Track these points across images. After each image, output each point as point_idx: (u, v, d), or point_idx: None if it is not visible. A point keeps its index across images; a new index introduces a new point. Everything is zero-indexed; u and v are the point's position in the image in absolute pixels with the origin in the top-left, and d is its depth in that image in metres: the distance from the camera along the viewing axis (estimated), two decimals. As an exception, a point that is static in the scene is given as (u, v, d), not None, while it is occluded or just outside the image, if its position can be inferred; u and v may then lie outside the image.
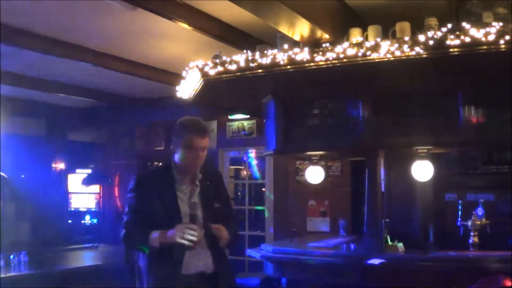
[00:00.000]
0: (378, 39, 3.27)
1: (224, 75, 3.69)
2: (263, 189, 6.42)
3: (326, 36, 3.47)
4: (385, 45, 3.19)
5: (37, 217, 6.64)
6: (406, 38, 3.18)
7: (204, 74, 3.76)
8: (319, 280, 3.71)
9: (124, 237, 2.62)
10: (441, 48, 3.05)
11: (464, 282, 3.06)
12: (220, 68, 3.69)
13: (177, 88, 4.31)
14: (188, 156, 2.58)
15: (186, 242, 2.37)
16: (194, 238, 2.38)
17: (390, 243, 3.63)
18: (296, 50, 3.47)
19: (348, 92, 3.76)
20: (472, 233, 3.72)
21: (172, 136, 2.67)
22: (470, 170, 4.21)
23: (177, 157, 2.63)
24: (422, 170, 3.62)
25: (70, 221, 7.67)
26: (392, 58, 3.18)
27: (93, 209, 7.79)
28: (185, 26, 3.85)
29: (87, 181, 7.26)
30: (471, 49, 2.99)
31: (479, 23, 3.09)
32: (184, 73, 4.06)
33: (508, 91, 3.26)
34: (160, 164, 2.83)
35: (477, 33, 2.96)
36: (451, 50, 3.03)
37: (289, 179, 5.90)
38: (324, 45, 3.44)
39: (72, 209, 7.83)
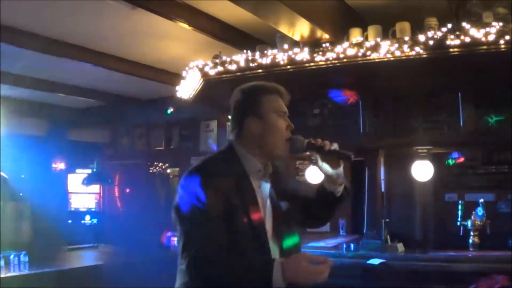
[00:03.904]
0: (378, 39, 3.28)
1: (224, 75, 3.69)
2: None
3: (326, 36, 3.47)
4: (385, 45, 3.19)
5: (37, 217, 6.63)
6: (406, 38, 3.18)
7: (204, 74, 3.76)
8: (319, 280, 3.70)
9: (202, 276, 1.56)
10: (441, 48, 3.05)
11: (464, 282, 3.05)
12: (220, 68, 3.69)
13: (177, 88, 4.31)
14: (276, 129, 1.75)
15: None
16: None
17: (390, 243, 3.63)
18: (296, 50, 3.47)
19: (348, 92, 3.76)
20: (472, 233, 3.72)
21: (239, 107, 1.78)
22: (470, 170, 4.20)
23: (250, 136, 1.74)
24: (422, 170, 3.61)
25: (70, 221, 7.66)
26: (392, 58, 3.18)
27: (93, 209, 7.79)
28: (185, 26, 3.84)
29: (87, 181, 7.26)
30: (471, 49, 2.99)
31: (479, 23, 3.09)
32: (184, 73, 4.06)
33: (508, 91, 3.26)
34: (217, 152, 1.85)
35: (477, 33, 2.96)
36: (451, 50, 3.03)
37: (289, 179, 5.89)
38: (324, 45, 3.44)
39: (72, 209, 7.83)
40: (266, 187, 1.77)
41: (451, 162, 4.16)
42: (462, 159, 4.18)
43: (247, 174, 1.72)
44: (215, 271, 1.55)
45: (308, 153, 1.82)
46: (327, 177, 1.84)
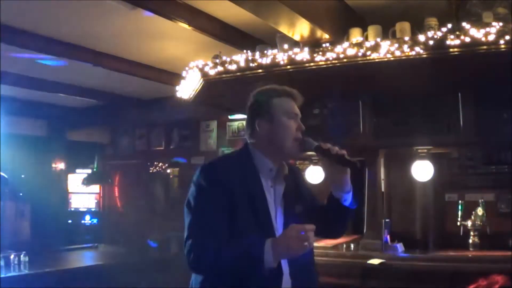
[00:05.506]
0: (378, 39, 3.27)
1: (224, 75, 3.68)
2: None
3: (326, 36, 3.47)
4: (385, 45, 3.19)
5: (37, 217, 6.64)
6: (406, 38, 3.17)
7: (204, 74, 3.76)
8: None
9: (199, 263, 1.68)
10: (441, 48, 3.04)
11: (464, 282, 3.05)
12: (220, 68, 3.69)
13: (177, 88, 4.31)
14: (284, 129, 1.83)
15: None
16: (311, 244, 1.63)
17: (390, 243, 3.63)
18: (296, 50, 3.47)
19: (348, 92, 3.76)
20: (472, 233, 3.72)
21: (250, 110, 1.94)
22: (470, 170, 4.20)
23: (260, 137, 1.87)
24: (422, 170, 3.61)
25: (70, 221, 7.67)
26: (392, 58, 3.18)
27: (93, 209, 7.79)
28: (185, 26, 3.85)
29: (87, 181, 7.26)
30: (471, 49, 2.98)
31: (479, 23, 3.08)
32: (184, 73, 4.06)
33: (508, 91, 3.26)
34: (233, 151, 2.07)
35: (477, 33, 2.95)
36: (451, 50, 3.02)
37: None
38: (324, 45, 3.44)
39: (72, 209, 7.83)
40: (280, 187, 1.86)
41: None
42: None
43: (258, 172, 1.83)
44: (208, 257, 1.66)
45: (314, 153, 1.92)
46: (333, 182, 1.90)
